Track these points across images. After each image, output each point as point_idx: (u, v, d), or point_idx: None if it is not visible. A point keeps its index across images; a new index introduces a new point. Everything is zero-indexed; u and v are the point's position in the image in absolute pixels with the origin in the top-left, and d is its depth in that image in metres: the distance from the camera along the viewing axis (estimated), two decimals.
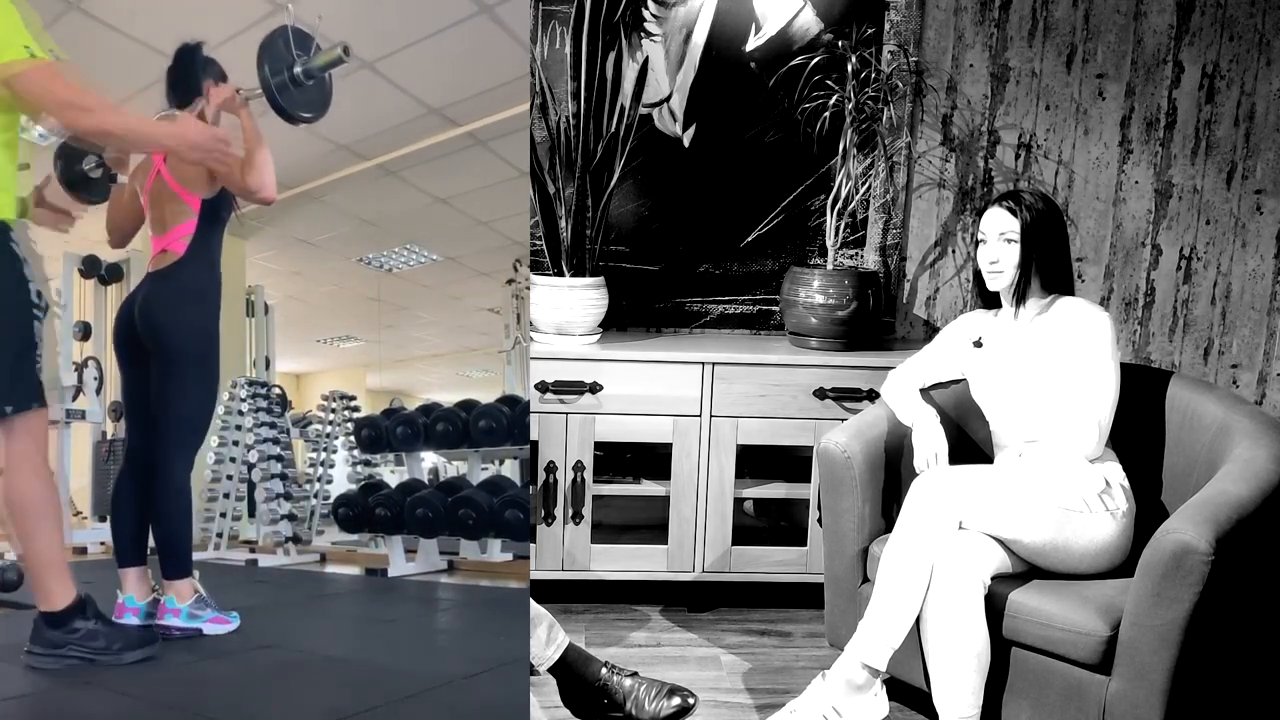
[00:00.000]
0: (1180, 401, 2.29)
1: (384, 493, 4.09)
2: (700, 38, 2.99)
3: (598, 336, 2.89)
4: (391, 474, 6.36)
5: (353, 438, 5.07)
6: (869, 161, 3.02)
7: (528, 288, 3.19)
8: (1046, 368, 2.12)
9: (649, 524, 2.91)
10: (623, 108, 2.84)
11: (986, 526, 1.99)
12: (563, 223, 2.82)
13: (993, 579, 1.94)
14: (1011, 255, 2.13)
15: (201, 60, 2.43)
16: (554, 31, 2.95)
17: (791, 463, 2.93)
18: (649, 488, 2.83)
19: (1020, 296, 2.16)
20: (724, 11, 2.97)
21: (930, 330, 3.12)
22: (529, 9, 2.95)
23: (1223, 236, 3.14)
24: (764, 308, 3.14)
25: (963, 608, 1.89)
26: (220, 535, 5.22)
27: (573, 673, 2.05)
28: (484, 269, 7.18)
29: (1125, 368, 2.18)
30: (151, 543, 2.44)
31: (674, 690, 2.04)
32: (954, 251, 3.14)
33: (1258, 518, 1.84)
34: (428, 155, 4.99)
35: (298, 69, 2.04)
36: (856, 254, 3.11)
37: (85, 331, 5.36)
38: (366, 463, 5.90)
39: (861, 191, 3.02)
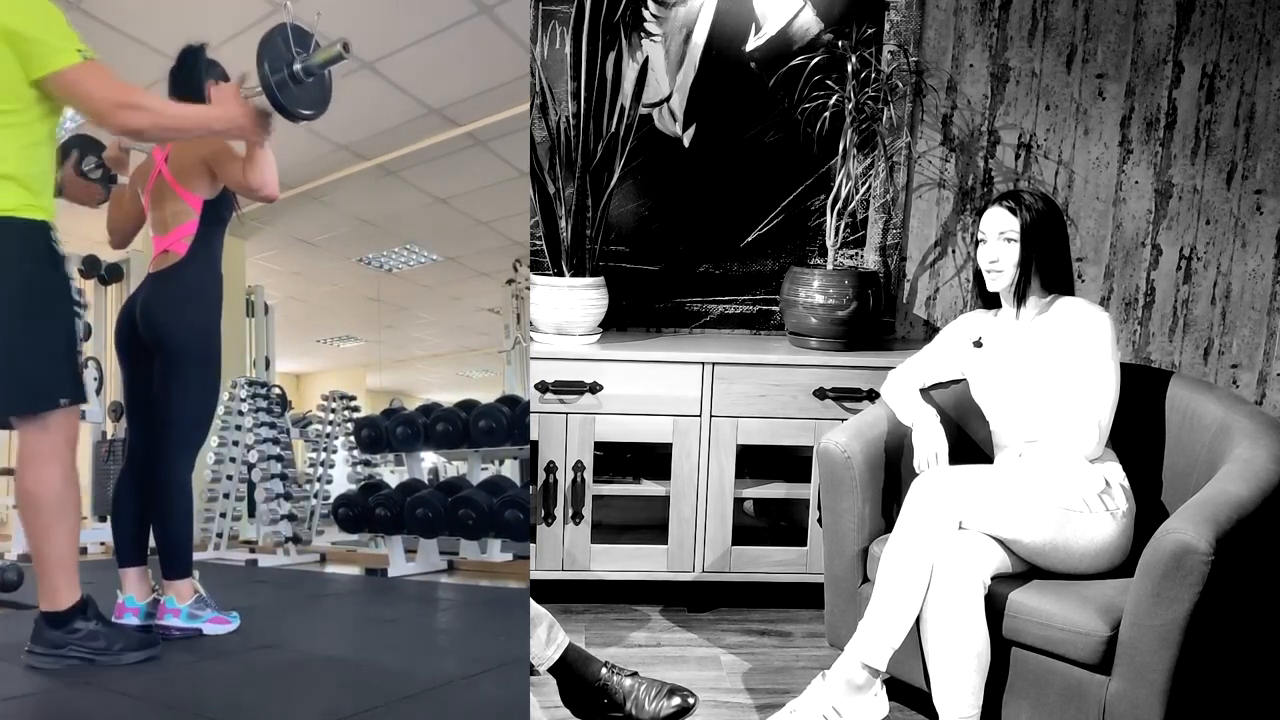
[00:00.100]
0: (1180, 401, 2.29)
1: (384, 493, 4.09)
2: (700, 38, 2.99)
3: (598, 336, 2.90)
4: (391, 474, 6.37)
5: (353, 438, 5.07)
6: (869, 161, 3.02)
7: (528, 288, 3.19)
8: (1046, 368, 2.12)
9: (649, 524, 2.91)
10: (623, 108, 2.84)
11: (986, 526, 1.99)
12: (563, 223, 2.82)
13: (993, 579, 1.94)
14: (1011, 255, 2.13)
15: (204, 62, 2.43)
16: (554, 31, 2.95)
17: (791, 463, 2.93)
18: (649, 488, 2.83)
19: (1020, 296, 2.16)
20: (724, 11, 2.97)
21: (930, 330, 3.12)
22: (529, 9, 2.95)
23: (1223, 236, 3.14)
24: (764, 308, 3.14)
25: (963, 608, 1.89)
26: (220, 535, 5.23)
27: (573, 673, 2.05)
28: (484, 269, 7.18)
29: (1125, 368, 2.18)
30: (152, 543, 2.44)
31: (674, 690, 2.04)
32: (954, 251, 3.14)
33: (1258, 518, 1.84)
34: (428, 155, 4.99)
35: (297, 66, 2.04)
36: (856, 254, 3.11)
37: (86, 332, 5.35)
38: (366, 463, 5.90)
39: (861, 191, 3.02)
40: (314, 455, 6.05)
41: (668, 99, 3.02)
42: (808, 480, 2.82)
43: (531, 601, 2.05)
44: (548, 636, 2.03)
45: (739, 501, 2.88)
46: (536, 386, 2.71)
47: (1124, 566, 2.00)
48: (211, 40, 2.51)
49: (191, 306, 2.39)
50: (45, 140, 2.00)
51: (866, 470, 2.25)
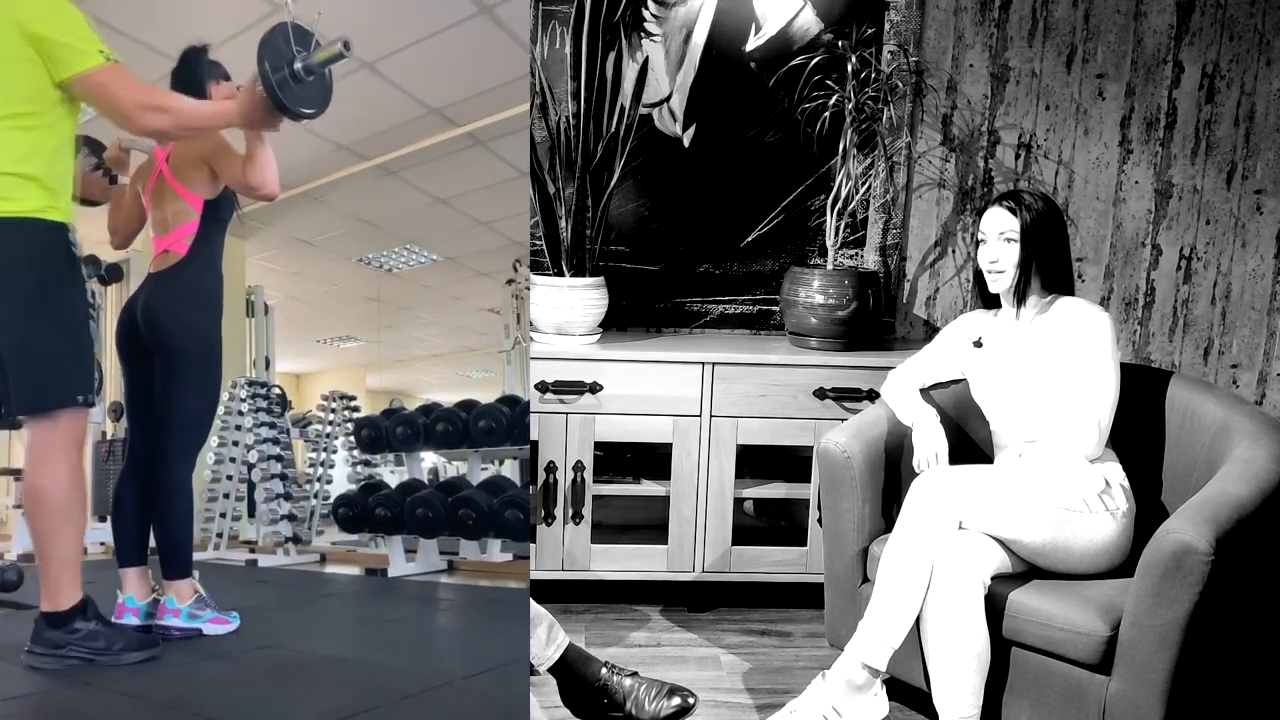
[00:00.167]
0: (1180, 401, 2.29)
1: (384, 493, 4.09)
2: (700, 38, 2.99)
3: (598, 336, 2.90)
4: (391, 474, 6.37)
5: (353, 438, 5.07)
6: (869, 161, 3.02)
7: (528, 288, 3.19)
8: (1046, 368, 2.12)
9: (649, 524, 2.91)
10: (623, 108, 2.84)
11: (986, 526, 1.99)
12: (563, 223, 2.82)
13: (993, 579, 1.94)
14: (1012, 255, 2.13)
15: (206, 63, 2.43)
16: (554, 31, 2.95)
17: (791, 463, 2.93)
18: (649, 488, 2.83)
19: (1020, 296, 2.16)
20: (724, 11, 2.97)
21: (930, 330, 3.12)
22: (529, 9, 2.95)
23: (1223, 236, 3.14)
24: (764, 308, 3.14)
25: (963, 608, 1.89)
26: (220, 535, 5.23)
27: (573, 673, 2.05)
28: (484, 269, 7.18)
29: (1125, 368, 2.18)
30: (152, 543, 2.44)
31: (674, 690, 2.04)
32: (954, 251, 3.14)
33: (1258, 518, 1.84)
34: (428, 155, 4.99)
35: (298, 65, 2.04)
36: (856, 254, 3.11)
37: None
38: (366, 463, 5.90)
39: (861, 191, 3.02)
40: (314, 455, 6.05)
41: (668, 99, 3.02)
42: (808, 480, 2.82)
43: (531, 601, 2.05)
44: (548, 636, 2.03)
45: (739, 501, 2.88)
46: (536, 386, 2.71)
47: (1124, 566, 2.00)
48: (212, 40, 2.52)
49: (192, 306, 2.39)
50: (66, 142, 2.03)
51: (866, 470, 2.25)
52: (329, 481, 5.89)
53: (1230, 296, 3.17)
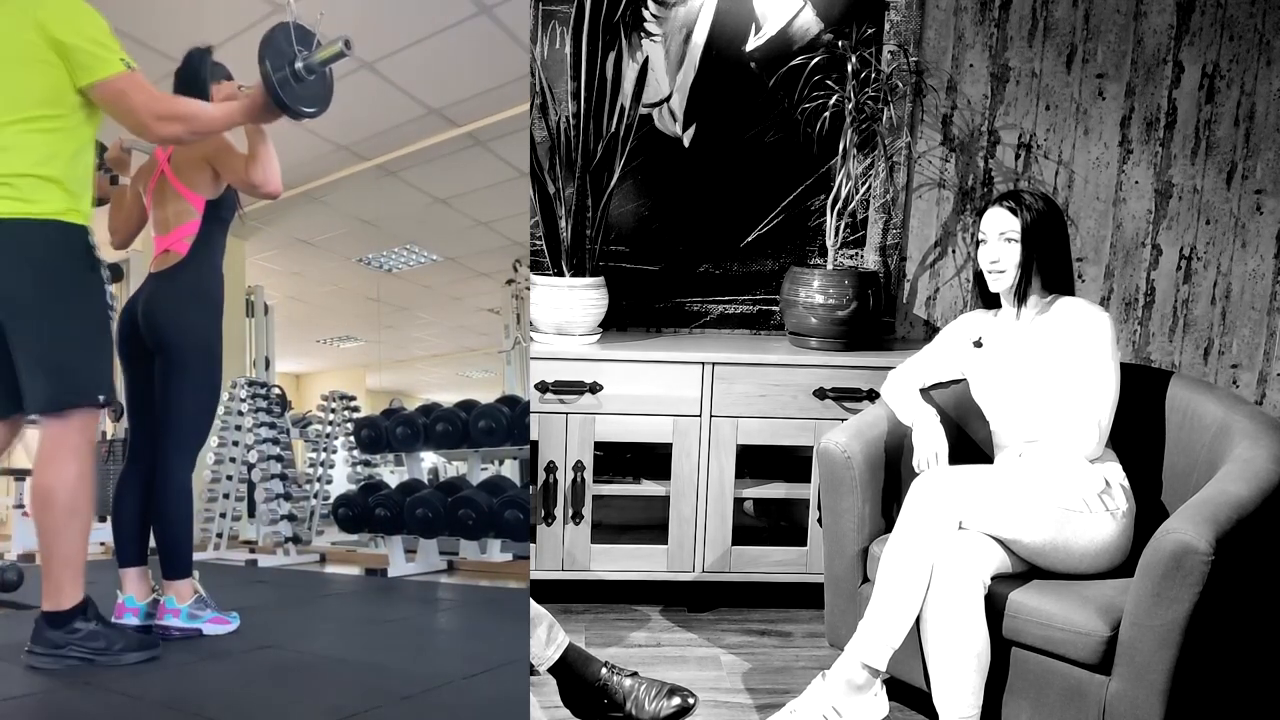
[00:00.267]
0: (1180, 401, 2.29)
1: (384, 493, 4.09)
2: (700, 38, 2.99)
3: (598, 336, 2.90)
4: (391, 474, 6.37)
5: (352, 438, 5.07)
6: (869, 161, 3.02)
7: (528, 288, 3.19)
8: (1047, 368, 2.12)
9: (649, 524, 2.91)
10: (623, 108, 2.84)
11: (986, 526, 1.99)
12: (563, 223, 2.82)
13: (993, 579, 1.94)
14: (1012, 255, 2.13)
15: (210, 64, 2.44)
16: (554, 31, 2.95)
17: (791, 463, 2.93)
18: (649, 488, 2.83)
19: (1021, 296, 2.16)
20: (724, 11, 2.97)
21: (930, 330, 3.12)
22: (529, 9, 2.95)
23: (1223, 236, 3.14)
24: (764, 308, 3.14)
25: (963, 608, 1.89)
26: (220, 535, 5.22)
27: (573, 673, 2.05)
28: (484, 269, 7.18)
29: (1125, 368, 2.18)
30: (152, 543, 2.44)
31: (674, 690, 2.04)
32: (954, 251, 3.14)
33: (1258, 518, 1.84)
34: (428, 155, 4.99)
35: (299, 64, 2.04)
36: (856, 254, 3.11)
37: None
38: (366, 463, 5.90)
39: (861, 191, 3.02)
40: (314, 455, 6.04)
41: (668, 99, 3.02)
42: (808, 480, 2.82)
43: (531, 601, 2.05)
44: (548, 636, 2.03)
45: (739, 501, 2.88)
46: (536, 386, 2.71)
47: (1124, 566, 2.00)
48: (212, 40, 2.52)
49: (193, 306, 2.39)
50: (87, 145, 2.05)
51: (866, 470, 2.25)
52: (329, 481, 5.89)
53: (1230, 296, 3.17)
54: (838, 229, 2.91)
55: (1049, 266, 2.15)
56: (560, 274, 2.82)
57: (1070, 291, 2.19)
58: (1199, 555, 1.71)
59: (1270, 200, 3.12)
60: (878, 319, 2.91)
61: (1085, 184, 3.11)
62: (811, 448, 2.70)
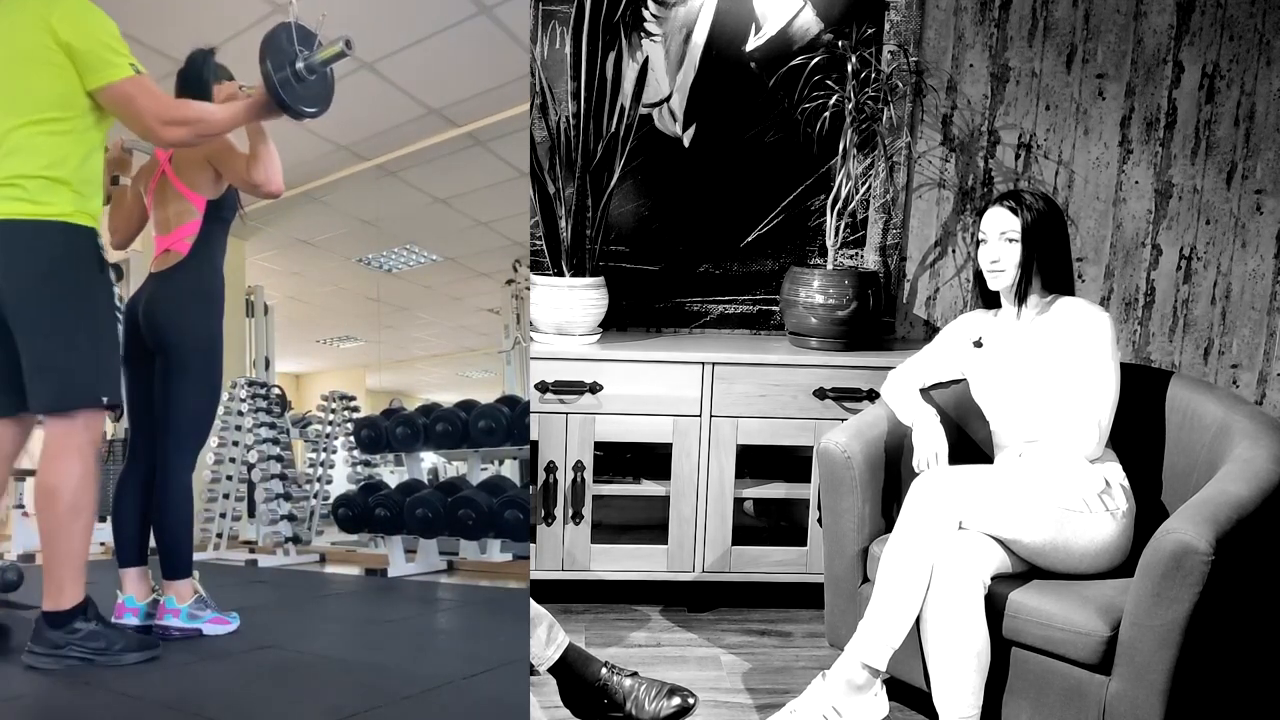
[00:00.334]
0: (1180, 401, 2.29)
1: (384, 493, 4.08)
2: (700, 38, 2.99)
3: (598, 336, 2.89)
4: (391, 474, 6.36)
5: (352, 438, 5.07)
6: (869, 161, 3.02)
7: (528, 288, 3.19)
8: (1047, 368, 2.12)
9: (649, 524, 2.91)
10: (623, 108, 2.84)
11: (986, 526, 1.99)
12: (563, 223, 2.82)
13: (993, 579, 1.94)
14: (1013, 255, 2.13)
15: (213, 65, 2.44)
16: (554, 31, 2.95)
17: (791, 463, 2.93)
18: (649, 488, 2.83)
19: (1021, 296, 2.16)
20: (724, 11, 2.97)
21: (930, 330, 3.12)
22: (529, 9, 2.95)
23: (1223, 236, 3.14)
24: (764, 308, 3.14)
25: (963, 608, 1.89)
26: (220, 535, 5.22)
27: (573, 673, 2.05)
28: (484, 269, 7.17)
29: (1125, 368, 2.18)
30: (152, 543, 2.44)
31: (674, 690, 2.04)
32: (954, 251, 3.14)
33: (1258, 518, 1.84)
34: (428, 155, 4.99)
35: (300, 64, 2.05)
36: (856, 254, 3.11)
37: None
38: (366, 463, 5.89)
39: (861, 191, 3.02)
40: (314, 455, 6.04)
41: (668, 99, 3.02)
42: (808, 480, 2.82)
43: (531, 601, 2.05)
44: (548, 636, 2.03)
45: (739, 501, 2.88)
46: (536, 386, 2.71)
47: (1124, 566, 2.00)
48: (213, 40, 2.52)
49: (193, 306, 2.39)
50: (97, 148, 2.06)
51: (866, 470, 2.25)
52: (329, 482, 5.89)
53: (1230, 296, 3.17)
54: (838, 229, 2.91)
55: (1049, 266, 2.15)
56: (560, 274, 2.82)
57: (1070, 291, 2.19)
58: (1199, 555, 1.71)
59: (1270, 200, 3.12)
60: (878, 319, 2.91)
61: (1085, 184, 3.11)
62: (811, 448, 2.70)
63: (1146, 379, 2.35)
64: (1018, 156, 3.09)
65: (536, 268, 2.94)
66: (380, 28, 3.63)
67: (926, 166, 3.10)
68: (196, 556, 2.83)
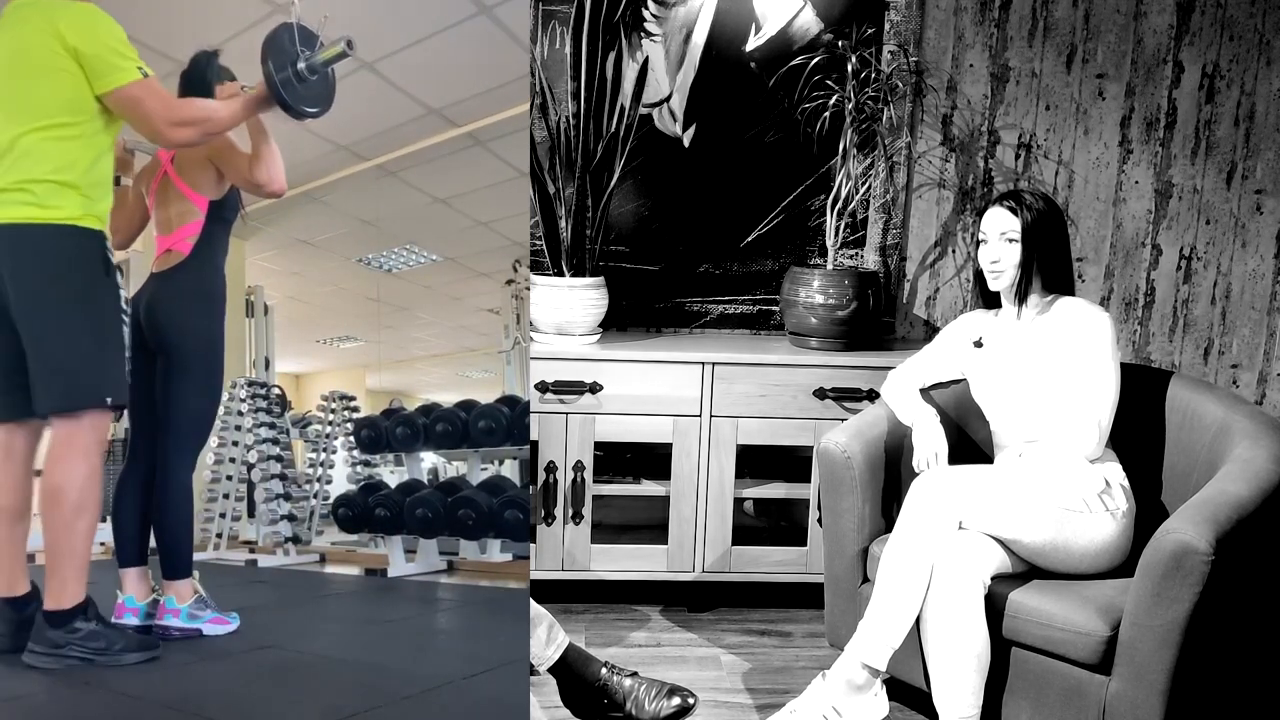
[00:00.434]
0: (1180, 401, 2.29)
1: (384, 493, 4.08)
2: (700, 38, 2.99)
3: (598, 336, 2.90)
4: (391, 474, 6.36)
5: (352, 438, 5.07)
6: (869, 161, 3.02)
7: (528, 288, 3.19)
8: (1047, 368, 2.12)
9: (649, 524, 2.91)
10: (623, 108, 2.84)
11: (986, 526, 1.99)
12: (563, 223, 2.82)
13: (993, 579, 1.94)
14: (1013, 255, 2.13)
15: (216, 67, 2.44)
16: (554, 31, 2.95)
17: (791, 463, 2.93)
18: (649, 488, 2.83)
19: (1021, 296, 2.16)
20: (724, 11, 2.97)
21: (930, 330, 3.12)
22: (529, 9, 2.95)
23: (1223, 236, 3.14)
24: (764, 308, 3.14)
25: (963, 608, 1.89)
26: (220, 535, 5.22)
27: (573, 673, 2.05)
28: (484, 269, 7.18)
29: (1125, 368, 2.18)
30: (152, 543, 2.44)
31: (674, 690, 2.04)
32: (954, 251, 3.14)
33: (1258, 518, 1.84)
34: (428, 155, 4.99)
35: (301, 64, 2.05)
36: (856, 254, 3.11)
37: None
38: (366, 463, 5.90)
39: (861, 191, 3.02)
40: (314, 455, 6.04)
41: (668, 99, 3.02)
42: (808, 480, 2.82)
43: (531, 601, 2.05)
44: (548, 636, 2.03)
45: (739, 501, 2.88)
46: (536, 386, 2.71)
47: (1124, 566, 2.00)
48: (213, 40, 2.52)
49: (195, 306, 2.39)
50: (106, 152, 2.08)
51: (866, 470, 2.25)
52: (329, 482, 5.89)
53: (1230, 296, 3.17)
54: (838, 229, 2.91)
55: (1049, 266, 2.15)
56: (560, 274, 2.82)
57: (1070, 291, 2.19)
58: (1199, 555, 1.71)
59: (1270, 200, 3.12)
60: (878, 319, 2.91)
61: (1085, 184, 3.11)
62: (811, 448, 2.70)
63: (1146, 379, 2.35)
64: (1018, 156, 3.10)
65: (536, 268, 2.94)
66: (380, 28, 3.63)
67: (926, 166, 3.10)
68: (196, 556, 2.83)
